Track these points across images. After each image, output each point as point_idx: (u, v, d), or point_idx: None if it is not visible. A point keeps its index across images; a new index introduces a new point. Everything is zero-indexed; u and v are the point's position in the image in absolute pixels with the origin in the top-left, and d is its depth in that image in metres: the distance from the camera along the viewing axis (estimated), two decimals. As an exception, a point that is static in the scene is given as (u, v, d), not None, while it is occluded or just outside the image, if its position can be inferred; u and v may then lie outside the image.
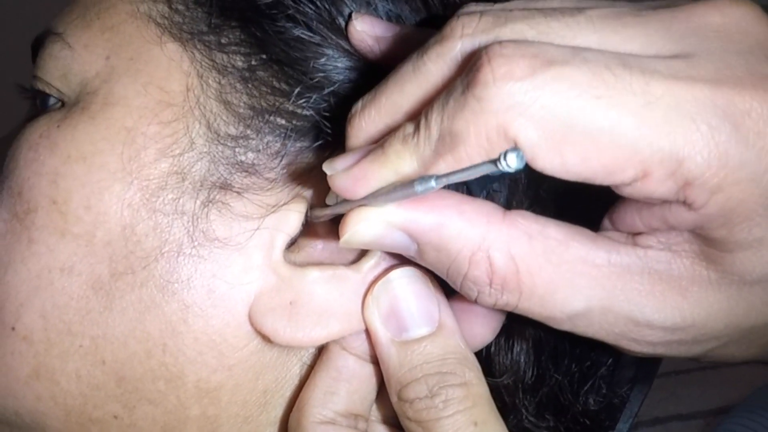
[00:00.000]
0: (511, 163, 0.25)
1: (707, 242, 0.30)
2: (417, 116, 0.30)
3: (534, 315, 0.32)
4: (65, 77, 0.37)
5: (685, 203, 0.28)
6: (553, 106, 0.27)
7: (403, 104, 0.31)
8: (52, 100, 0.38)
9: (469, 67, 0.28)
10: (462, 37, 0.29)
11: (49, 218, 0.35)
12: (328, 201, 0.35)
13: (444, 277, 0.33)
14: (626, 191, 0.29)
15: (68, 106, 0.37)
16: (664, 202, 0.29)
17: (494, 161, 0.25)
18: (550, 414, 0.40)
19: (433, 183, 0.28)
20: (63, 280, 0.35)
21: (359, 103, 0.32)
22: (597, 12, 0.29)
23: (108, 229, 0.35)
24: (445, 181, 0.27)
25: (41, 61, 0.38)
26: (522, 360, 0.39)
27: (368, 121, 0.32)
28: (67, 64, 0.37)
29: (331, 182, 0.31)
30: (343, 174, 0.31)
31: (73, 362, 0.36)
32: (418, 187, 0.28)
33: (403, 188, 0.29)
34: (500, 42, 0.28)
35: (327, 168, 0.32)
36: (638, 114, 0.27)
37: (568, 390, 0.40)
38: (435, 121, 0.29)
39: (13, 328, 0.36)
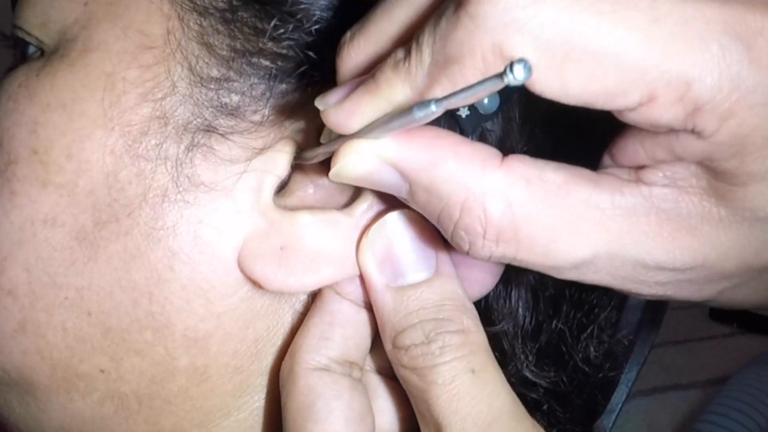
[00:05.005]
0: (518, 75, 0.23)
1: (717, 175, 0.28)
2: (408, 42, 0.28)
3: (535, 266, 0.30)
4: (44, 25, 0.36)
5: (694, 131, 0.27)
6: (554, 23, 0.25)
7: (393, 31, 0.30)
8: (31, 49, 0.37)
9: None
10: None
11: (30, 169, 0.35)
12: (323, 139, 0.34)
13: (435, 224, 0.31)
14: (630, 117, 0.27)
15: (48, 54, 0.36)
16: (671, 130, 0.28)
17: (499, 75, 0.24)
18: (551, 363, 0.39)
19: (433, 107, 0.26)
20: (46, 231, 0.35)
21: (347, 34, 0.31)
22: None
23: (90, 177, 0.34)
24: (445, 104, 0.26)
25: (20, 11, 0.37)
26: (520, 306, 0.38)
27: (357, 51, 0.30)
28: (45, 12, 0.36)
29: (324, 118, 0.30)
30: (336, 108, 0.30)
31: (59, 315, 0.35)
32: (418, 113, 0.26)
33: (401, 116, 0.28)
34: None
35: (319, 103, 0.30)
36: (644, 31, 0.25)
37: (568, 335, 0.39)
38: (426, 43, 0.27)
39: None
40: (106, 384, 0.36)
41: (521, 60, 0.23)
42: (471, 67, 0.26)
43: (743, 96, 0.26)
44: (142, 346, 0.35)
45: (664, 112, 0.26)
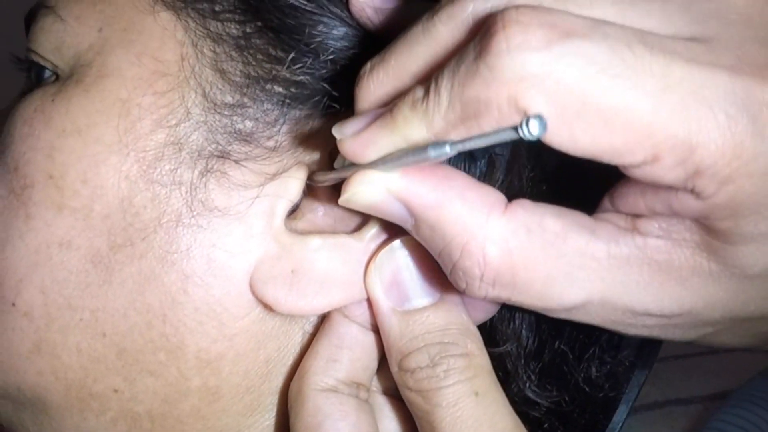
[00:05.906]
0: (533, 131, 0.24)
1: (710, 232, 0.29)
2: (427, 80, 0.29)
3: (528, 306, 0.31)
4: (58, 50, 0.37)
5: (693, 191, 0.27)
6: (568, 82, 0.26)
7: (413, 67, 0.30)
8: (47, 73, 0.38)
9: (482, 32, 0.27)
10: None
11: (46, 193, 0.35)
12: (336, 165, 0.35)
13: (436, 258, 0.32)
14: (634, 173, 0.28)
15: (62, 79, 0.37)
16: (671, 187, 0.28)
17: (515, 128, 0.25)
18: (553, 383, 0.40)
19: (447, 149, 0.27)
20: (62, 254, 0.35)
21: (368, 65, 0.31)
22: None
23: (106, 202, 0.35)
24: (459, 148, 0.27)
25: (34, 35, 0.38)
26: (524, 327, 0.39)
27: (377, 83, 0.31)
28: (59, 37, 0.37)
29: (340, 146, 0.31)
30: (352, 139, 0.30)
31: (74, 336, 0.35)
32: (432, 152, 0.27)
33: (415, 153, 0.28)
34: (516, 7, 0.27)
35: (336, 132, 0.31)
36: (655, 97, 0.26)
37: (570, 356, 0.40)
38: (445, 87, 0.28)
39: (13, 304, 0.36)
40: (119, 404, 0.36)
41: (537, 116, 0.24)
42: (486, 116, 0.27)
43: (743, 164, 0.26)
44: (156, 366, 0.36)
45: (667, 173, 0.27)
